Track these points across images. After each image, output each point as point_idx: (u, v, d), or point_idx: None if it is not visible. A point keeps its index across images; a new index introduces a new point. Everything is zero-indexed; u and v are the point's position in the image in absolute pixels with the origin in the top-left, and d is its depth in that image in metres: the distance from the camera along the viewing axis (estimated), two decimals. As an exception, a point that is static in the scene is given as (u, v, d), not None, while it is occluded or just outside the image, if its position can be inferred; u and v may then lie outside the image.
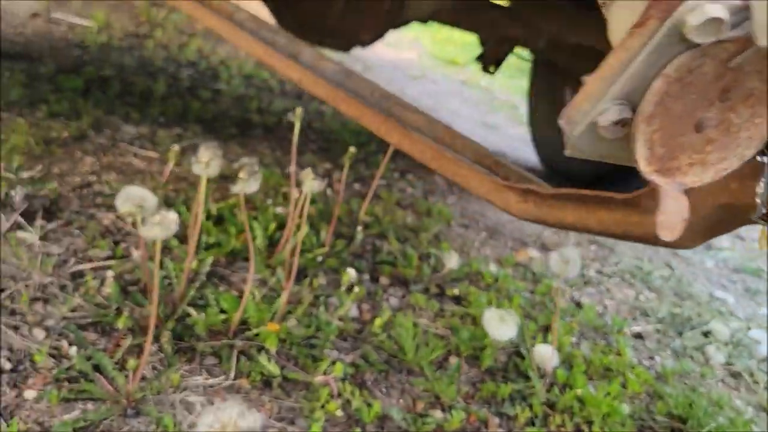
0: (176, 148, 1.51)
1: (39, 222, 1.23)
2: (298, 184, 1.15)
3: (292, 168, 1.43)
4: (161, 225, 0.80)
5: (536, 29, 2.51)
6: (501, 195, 0.78)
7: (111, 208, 1.38)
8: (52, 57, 2.28)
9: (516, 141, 3.68)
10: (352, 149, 1.40)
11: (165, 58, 2.71)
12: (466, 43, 6.90)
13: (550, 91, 3.18)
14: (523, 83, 5.66)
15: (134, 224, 1.19)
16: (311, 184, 1.07)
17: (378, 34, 2.42)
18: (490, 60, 2.70)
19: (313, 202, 1.61)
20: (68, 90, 1.95)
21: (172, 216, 0.80)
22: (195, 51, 2.94)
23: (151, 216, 0.83)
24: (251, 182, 0.98)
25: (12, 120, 1.66)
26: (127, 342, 0.98)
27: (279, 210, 1.53)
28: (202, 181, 1.03)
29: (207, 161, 1.01)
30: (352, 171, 2.07)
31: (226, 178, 1.70)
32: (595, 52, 2.61)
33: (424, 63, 5.43)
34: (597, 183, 2.80)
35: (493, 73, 2.80)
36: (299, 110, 1.30)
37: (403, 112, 1.07)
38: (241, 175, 0.98)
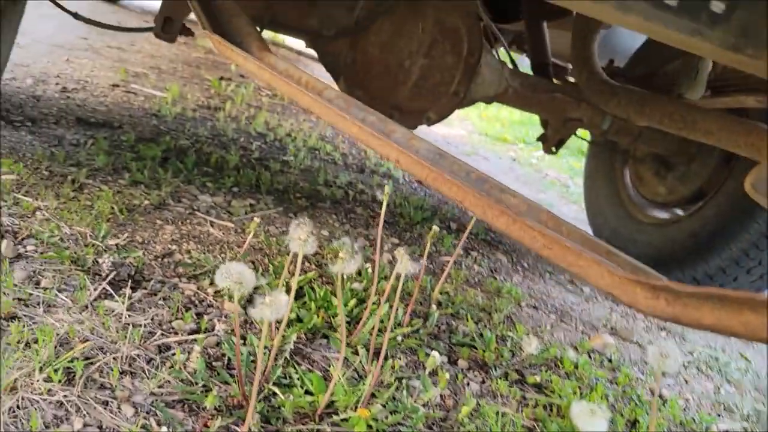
0: (256, 220, 1.52)
1: (125, 291, 1.24)
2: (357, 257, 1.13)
3: (378, 244, 1.41)
4: (272, 306, 0.78)
5: (602, 112, 2.52)
6: (627, 290, 0.74)
7: (192, 278, 1.38)
8: (131, 125, 2.37)
9: (570, 220, 3.63)
10: (435, 228, 1.39)
11: (235, 130, 2.79)
12: (513, 121, 6.98)
13: (609, 171, 3.16)
14: (572, 161, 5.66)
15: (230, 299, 1.19)
16: (407, 264, 1.05)
17: (444, 114, 2.46)
18: (553, 141, 2.71)
19: (385, 278, 1.59)
20: (148, 158, 2.01)
21: (283, 298, 0.78)
22: (262, 123, 3.03)
23: (253, 293, 0.82)
24: (351, 263, 0.97)
25: (97, 187, 1.71)
26: (216, 423, 0.95)
27: (355, 285, 1.51)
28: (299, 258, 1.02)
29: (305, 239, 1.00)
30: (418, 246, 2.06)
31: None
32: (661, 134, 2.60)
33: (474, 140, 5.49)
34: (652, 266, 2.72)
35: (554, 153, 2.80)
36: (388, 188, 1.30)
37: (502, 195, 1.05)
38: (341, 255, 0.96)
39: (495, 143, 5.60)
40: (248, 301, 1.33)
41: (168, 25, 2.12)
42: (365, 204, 2.35)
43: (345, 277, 1.58)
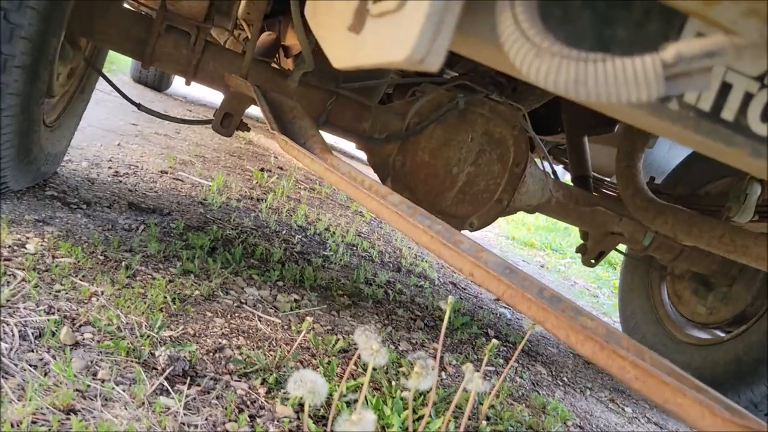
0: (308, 320, 1.51)
1: (179, 387, 1.22)
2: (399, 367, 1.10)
3: (438, 355, 1.38)
4: (358, 425, 0.76)
5: (644, 227, 2.53)
6: (732, 434, 0.71)
7: (244, 376, 1.35)
8: (180, 213, 2.41)
9: (605, 333, 3.55)
10: (494, 341, 1.36)
11: (277, 221, 2.83)
12: (539, 226, 7.03)
13: (645, 286, 3.12)
14: (599, 271, 5.62)
15: (302, 407, 1.16)
16: (478, 382, 1.02)
17: (488, 221, 2.48)
18: (593, 253, 2.70)
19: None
20: (197, 247, 2.03)
21: (370, 417, 0.76)
22: (302, 216, 3.07)
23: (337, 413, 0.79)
24: (426, 379, 0.95)
25: (149, 274, 1.72)
26: None
27: (404, 394, 1.47)
28: (369, 367, 1.00)
29: (377, 349, 0.99)
30: (460, 353, 2.01)
31: (346, 352, 1.67)
32: (703, 253, 2.59)
33: (501, 243, 5.50)
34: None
35: (593, 265, 2.79)
36: (451, 299, 1.29)
37: (578, 316, 1.04)
38: (417, 370, 0.94)
39: (523, 248, 5.60)
40: (299, 404, 1.30)
41: (227, 120, 2.20)
42: (405, 305, 2.33)
43: (393, 384, 1.55)
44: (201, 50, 2.13)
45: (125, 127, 3.86)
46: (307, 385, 0.90)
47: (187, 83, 2.24)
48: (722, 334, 2.68)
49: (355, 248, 2.93)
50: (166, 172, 3.02)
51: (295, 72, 2.24)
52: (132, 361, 1.24)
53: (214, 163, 3.74)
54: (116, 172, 2.72)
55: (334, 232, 3.03)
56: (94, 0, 2.05)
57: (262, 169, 3.95)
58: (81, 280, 1.53)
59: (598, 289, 4.81)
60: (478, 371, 1.78)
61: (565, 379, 2.28)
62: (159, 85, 6.56)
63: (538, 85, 0.44)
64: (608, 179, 3.11)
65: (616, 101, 0.42)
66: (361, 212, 4.00)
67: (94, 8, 2.03)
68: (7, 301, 1.29)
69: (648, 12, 0.53)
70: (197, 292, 1.70)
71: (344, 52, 0.66)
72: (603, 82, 0.40)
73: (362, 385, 1.43)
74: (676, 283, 2.93)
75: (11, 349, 1.14)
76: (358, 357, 1.12)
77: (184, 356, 1.32)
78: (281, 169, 4.37)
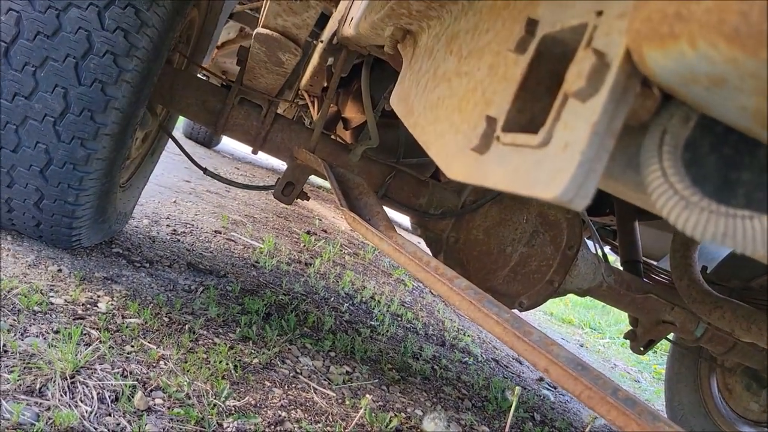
0: (368, 397, 1.52)
1: (246, 460, 1.23)
2: None
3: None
4: None
5: (697, 318, 2.49)
6: None
7: (304, 452, 1.36)
8: (235, 275, 2.47)
9: (649, 421, 3.45)
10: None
11: (325, 288, 2.87)
12: (577, 302, 6.93)
13: (694, 378, 3.04)
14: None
15: None
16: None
17: (538, 302, 2.48)
18: (642, 341, 2.66)
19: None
20: (253, 312, 2.07)
21: None
22: (348, 283, 3.11)
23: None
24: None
25: (210, 339, 1.76)
26: None
27: (461, 482, 1.46)
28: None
29: (453, 440, 0.99)
30: (511, 439, 1.99)
31: (399, 431, 1.67)
32: (759, 348, 2.53)
33: (539, 319, 5.43)
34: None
35: (643, 353, 2.74)
36: (518, 390, 1.29)
37: (655, 421, 1.03)
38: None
39: (561, 325, 5.52)
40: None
41: (288, 189, 2.28)
42: (452, 383, 2.32)
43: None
44: (270, 123, 2.23)
45: (179, 183, 4.00)
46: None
47: (254, 152, 2.33)
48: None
49: (399, 318, 2.94)
50: (220, 232, 3.10)
51: (358, 147, 2.32)
52: (202, 431, 1.26)
53: (262, 224, 3.83)
54: (174, 230, 2.81)
55: (379, 301, 3.05)
56: (174, 73, 2.18)
57: (308, 232, 4.02)
58: (149, 342, 1.58)
59: (639, 373, 4.69)
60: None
61: (613, 471, 2.22)
62: (209, 141, 6.80)
63: (686, 234, 0.48)
64: (656, 264, 3.09)
65: (760, 256, 0.45)
66: (403, 280, 4.02)
67: (176, 79, 2.16)
68: (86, 361, 1.34)
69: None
70: (256, 360, 1.73)
71: (462, 168, 0.71)
72: (751, 238, 0.43)
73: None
74: (726, 376, 2.85)
75: (91, 413, 1.18)
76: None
77: (250, 428, 1.34)
78: (326, 232, 4.45)
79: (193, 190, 3.97)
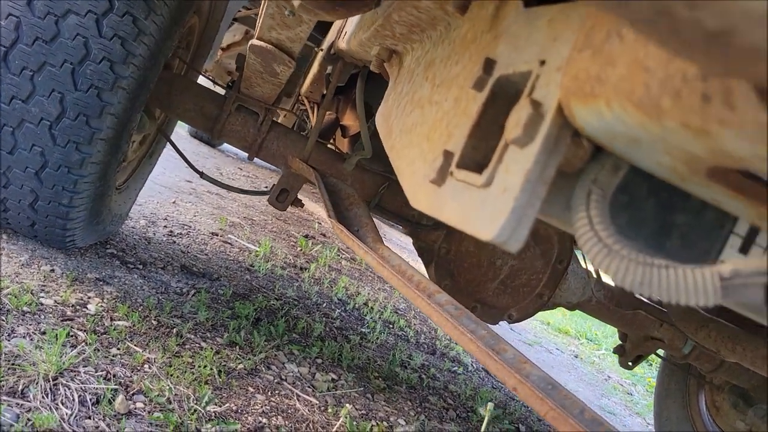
0: (348, 407, 1.54)
1: (222, 466, 1.26)
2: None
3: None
4: None
5: (685, 335, 2.51)
6: None
7: (281, 460, 1.39)
8: (228, 278, 2.50)
9: (637, 436, 3.47)
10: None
11: (318, 293, 2.90)
12: (575, 312, 6.93)
13: (682, 394, 3.05)
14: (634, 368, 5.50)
15: None
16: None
17: (527, 314, 2.50)
18: (631, 356, 2.68)
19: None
20: (243, 317, 2.10)
21: None
22: (343, 289, 3.13)
23: None
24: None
25: (197, 343, 1.79)
26: None
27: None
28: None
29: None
30: (492, 452, 2.01)
31: (378, 441, 1.69)
32: (746, 368, 2.54)
33: (535, 327, 5.44)
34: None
35: (631, 368, 2.75)
36: (490, 405, 1.31)
37: (617, 443, 1.05)
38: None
39: (557, 335, 5.53)
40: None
41: (283, 196, 2.31)
42: (438, 392, 2.34)
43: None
44: (267, 130, 2.26)
45: (181, 184, 4.03)
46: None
47: (250, 158, 2.36)
48: (763, 454, 2.59)
49: (391, 326, 2.97)
50: (217, 234, 3.13)
51: (352, 157, 2.35)
52: (179, 436, 1.29)
53: (261, 226, 3.86)
54: (171, 231, 2.85)
55: (372, 308, 3.08)
56: (173, 78, 2.21)
57: (306, 236, 4.05)
58: (135, 345, 1.61)
59: (632, 386, 4.69)
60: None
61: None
62: (213, 141, 6.84)
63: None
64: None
65: (675, 303, 0.47)
66: (398, 286, 4.04)
67: (174, 85, 2.19)
68: (71, 364, 1.37)
69: (705, 203, 0.58)
70: (241, 366, 1.76)
71: (424, 198, 0.73)
72: (665, 287, 0.46)
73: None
74: (714, 393, 2.86)
75: (71, 415, 1.21)
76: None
77: (228, 434, 1.36)
78: (324, 236, 4.47)
79: (194, 190, 4.01)
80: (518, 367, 1.25)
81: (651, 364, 5.41)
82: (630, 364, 2.69)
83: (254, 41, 1.72)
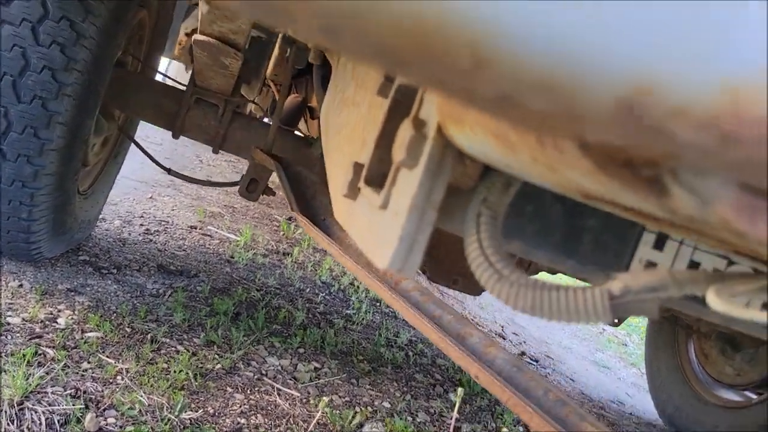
0: (325, 400, 1.54)
1: (197, 475, 1.26)
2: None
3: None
4: None
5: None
6: None
7: (259, 460, 1.39)
8: (207, 273, 2.48)
9: (629, 386, 3.50)
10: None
11: (302, 278, 2.89)
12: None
13: (671, 344, 3.07)
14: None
15: None
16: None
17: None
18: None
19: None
20: (221, 314, 2.09)
21: None
22: (327, 271, 3.12)
23: None
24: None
25: (173, 347, 1.78)
26: None
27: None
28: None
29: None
30: (480, 425, 2.02)
31: (361, 426, 1.69)
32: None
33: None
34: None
35: (617, 325, 2.76)
36: (460, 391, 1.31)
37: (581, 423, 1.05)
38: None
39: (550, 292, 5.55)
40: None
41: (252, 185, 2.28)
42: (425, 369, 2.34)
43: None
44: (228, 122, 2.21)
45: (157, 176, 3.98)
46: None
47: (215, 151, 2.32)
48: (753, 396, 2.62)
49: (378, 304, 2.96)
50: (196, 227, 3.11)
51: (318, 140, 2.31)
52: (152, 449, 1.29)
53: (242, 213, 3.83)
54: (147, 229, 2.82)
55: (358, 287, 3.07)
56: (128, 77, 2.16)
57: (289, 219, 4.03)
58: (108, 356, 1.60)
59: (627, 336, 4.73)
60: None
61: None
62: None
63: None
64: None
65: (567, 323, 0.45)
66: (386, 260, 4.03)
67: (128, 84, 2.14)
68: (37, 385, 1.36)
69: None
70: (219, 366, 1.75)
71: (341, 210, 0.70)
72: (556, 309, 0.44)
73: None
74: (702, 341, 2.88)
75: (38, 440, 1.20)
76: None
77: (202, 441, 1.36)
78: (309, 215, 4.45)
79: (172, 182, 3.96)
80: (482, 352, 1.24)
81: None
82: (616, 321, 2.70)
83: (197, 36, 1.67)
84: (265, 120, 3.74)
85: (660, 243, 0.60)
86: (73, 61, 1.64)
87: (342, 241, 1.66)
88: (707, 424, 2.69)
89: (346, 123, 0.87)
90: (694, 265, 0.70)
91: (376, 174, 0.63)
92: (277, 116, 2.19)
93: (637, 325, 4.98)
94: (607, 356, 4.03)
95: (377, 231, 0.54)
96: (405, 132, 0.50)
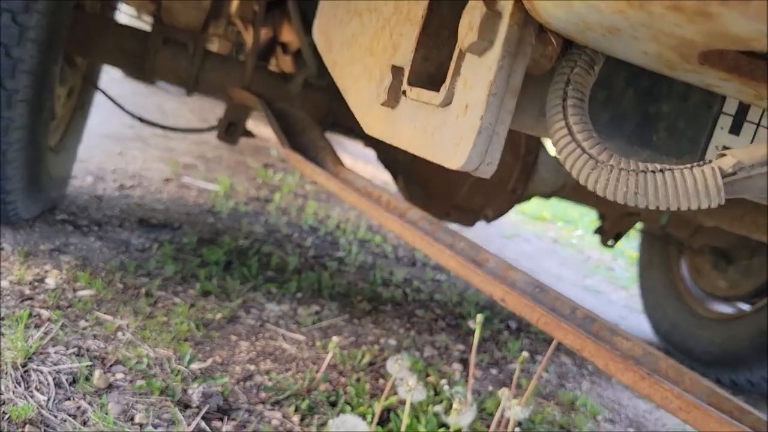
0: (335, 339, 1.50)
1: (216, 423, 1.22)
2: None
3: (469, 386, 1.38)
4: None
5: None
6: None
7: (276, 404, 1.35)
8: (190, 225, 2.40)
9: (621, 308, 3.56)
10: (525, 354, 1.35)
11: (288, 223, 2.82)
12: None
13: (664, 262, 3.10)
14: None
15: None
16: (516, 410, 1.02)
17: (503, 211, 2.46)
18: (610, 234, 2.69)
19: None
20: (213, 264, 2.03)
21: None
22: (312, 215, 3.06)
23: None
24: (466, 415, 0.94)
25: (170, 299, 1.71)
26: None
27: (437, 408, 1.47)
28: (407, 406, 1.00)
29: (413, 386, 0.98)
30: (486, 354, 2.02)
31: (372, 365, 1.67)
32: (720, 228, 2.57)
33: (511, 219, 5.47)
34: (716, 364, 2.62)
35: (611, 246, 2.77)
36: (480, 317, 1.28)
37: (614, 338, 1.03)
38: (456, 406, 0.94)
39: (534, 222, 5.58)
40: None
41: (231, 129, 2.18)
42: (425, 305, 2.33)
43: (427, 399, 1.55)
44: (200, 61, 2.09)
45: (123, 130, 3.82)
46: (348, 428, 0.90)
47: (189, 94, 2.21)
48: (746, 307, 2.67)
49: (368, 245, 2.92)
50: (171, 180, 3.00)
51: (297, 75, 2.21)
52: (167, 401, 1.24)
53: (216, 162, 3.72)
54: (121, 185, 2.71)
55: (345, 230, 3.02)
56: (90, 19, 2.01)
57: (265, 165, 3.93)
58: (104, 313, 1.53)
59: (613, 261, 4.81)
60: (498, 368, 1.77)
61: (590, 367, 2.29)
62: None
63: (597, 193, 0.43)
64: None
65: (676, 209, 0.40)
66: (368, 201, 3.98)
67: (90, 27, 2.00)
68: (38, 346, 1.29)
69: (689, 85, 0.51)
70: (219, 315, 1.70)
71: (376, 124, 0.64)
72: (663, 193, 0.39)
73: (393, 403, 1.44)
74: (695, 257, 2.91)
75: (49, 400, 1.14)
76: (392, 384, 1.12)
77: (217, 390, 1.32)
78: (284, 162, 4.34)
79: (139, 136, 3.81)
80: (503, 276, 1.21)
81: (628, 237, 5.53)
82: (610, 243, 2.71)
83: (165, -35, 1.54)
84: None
85: (736, 126, 0.55)
86: (33, 1, 1.50)
87: (338, 175, 1.60)
88: (703, 339, 2.74)
89: (361, 33, 0.79)
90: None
91: (422, 74, 0.56)
92: (253, 51, 2.07)
93: (622, 250, 5.05)
94: (596, 281, 4.09)
95: (441, 131, 0.48)
96: (472, 12, 0.43)
